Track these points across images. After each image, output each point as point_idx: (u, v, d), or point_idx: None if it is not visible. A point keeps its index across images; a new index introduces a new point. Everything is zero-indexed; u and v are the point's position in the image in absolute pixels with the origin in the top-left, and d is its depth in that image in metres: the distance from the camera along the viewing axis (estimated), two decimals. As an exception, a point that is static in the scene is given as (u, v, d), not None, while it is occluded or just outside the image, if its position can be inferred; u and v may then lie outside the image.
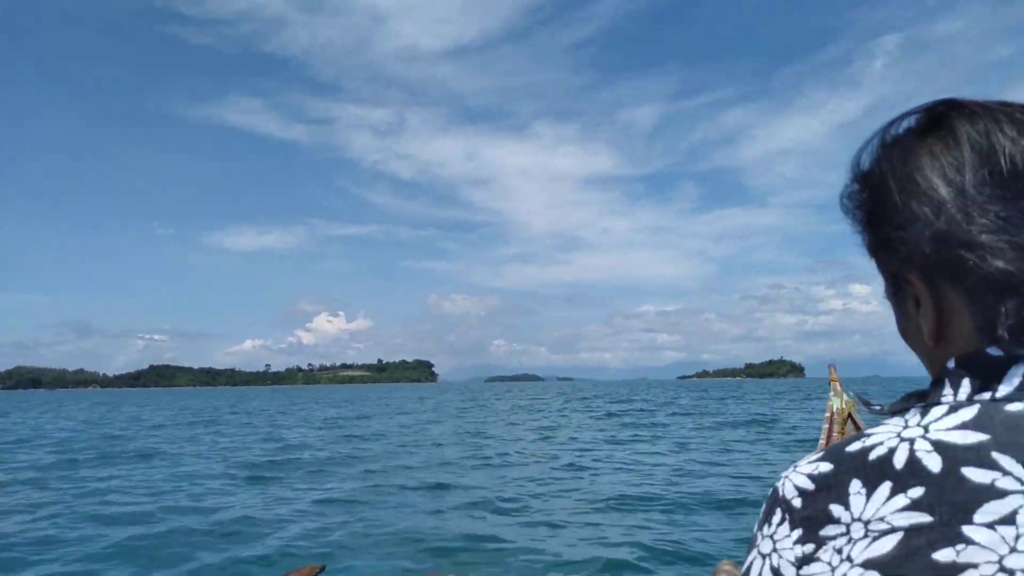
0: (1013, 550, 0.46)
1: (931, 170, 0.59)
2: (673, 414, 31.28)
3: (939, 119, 0.61)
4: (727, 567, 1.41)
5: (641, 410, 35.18)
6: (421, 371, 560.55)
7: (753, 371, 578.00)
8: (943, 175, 0.58)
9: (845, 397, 7.52)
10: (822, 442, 6.99)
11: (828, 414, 7.44)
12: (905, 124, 0.64)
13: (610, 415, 31.54)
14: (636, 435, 20.51)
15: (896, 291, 0.65)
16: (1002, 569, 0.46)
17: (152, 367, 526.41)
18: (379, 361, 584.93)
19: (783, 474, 0.60)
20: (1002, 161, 0.56)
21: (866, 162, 0.65)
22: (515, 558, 6.90)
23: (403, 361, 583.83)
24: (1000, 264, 0.55)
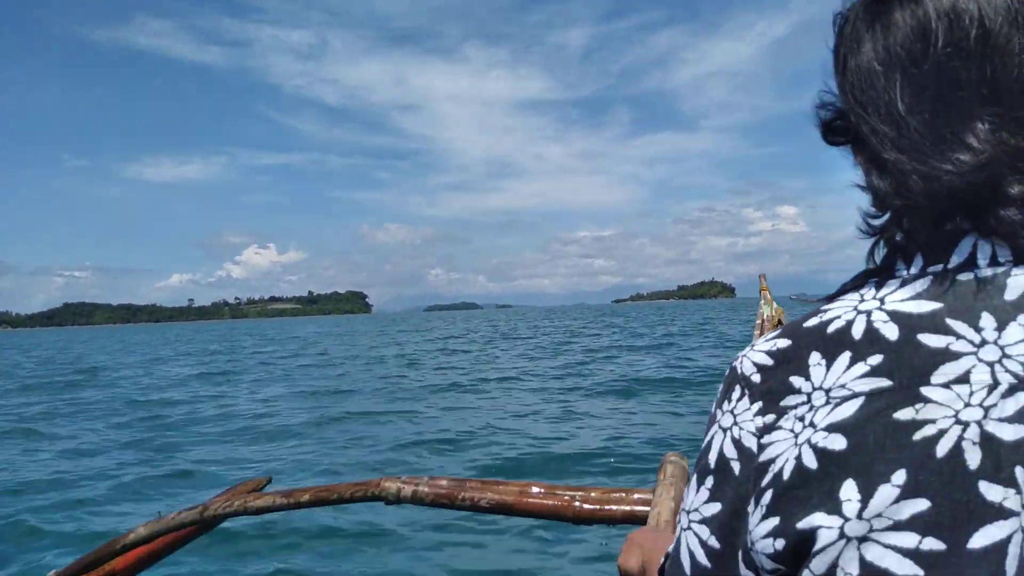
0: (967, 404, 0.50)
1: (867, 35, 0.59)
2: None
3: None
4: (673, 458, 1.44)
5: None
6: (354, 302, 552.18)
7: (685, 293, 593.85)
8: (872, 43, 0.59)
9: (775, 305, 8.11)
10: (754, 347, 6.94)
11: (759, 321, 7.91)
12: None
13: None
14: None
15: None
16: (957, 422, 0.49)
17: (67, 305, 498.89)
18: (310, 293, 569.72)
19: (740, 353, 0.62)
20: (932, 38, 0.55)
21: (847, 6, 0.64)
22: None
23: (335, 293, 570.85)
24: (893, 155, 0.56)
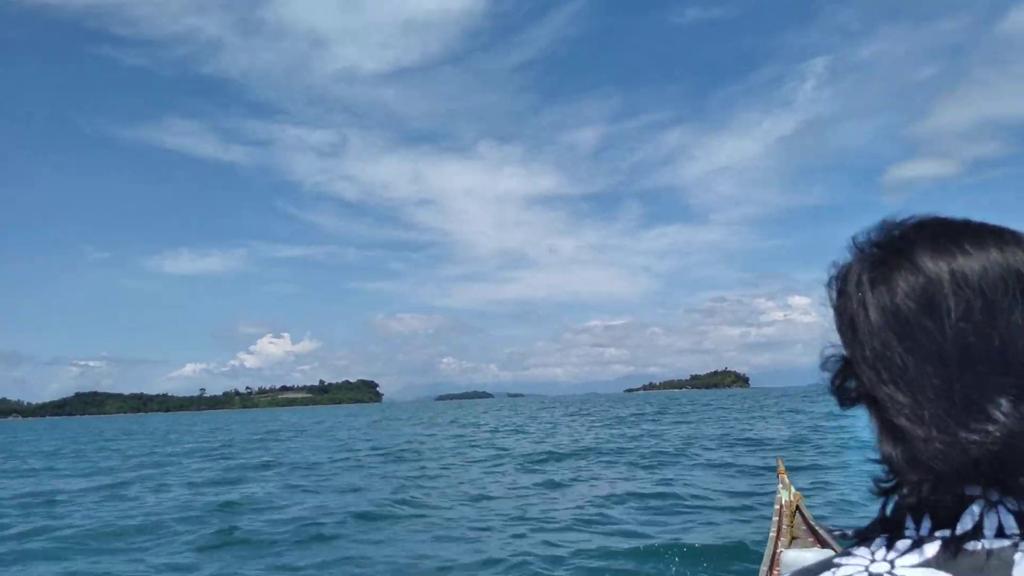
0: None
1: (872, 300, 0.59)
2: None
3: (900, 248, 0.60)
4: None
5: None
6: (365, 391, 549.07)
7: (699, 382, 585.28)
8: (880, 309, 0.58)
9: (792, 490, 7.73)
10: (772, 534, 7.08)
11: (777, 507, 7.67)
12: (880, 237, 0.62)
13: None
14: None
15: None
16: None
17: (78, 395, 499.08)
18: (321, 382, 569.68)
19: None
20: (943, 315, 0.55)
21: (842, 265, 0.64)
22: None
23: (346, 382, 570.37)
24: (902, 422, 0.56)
